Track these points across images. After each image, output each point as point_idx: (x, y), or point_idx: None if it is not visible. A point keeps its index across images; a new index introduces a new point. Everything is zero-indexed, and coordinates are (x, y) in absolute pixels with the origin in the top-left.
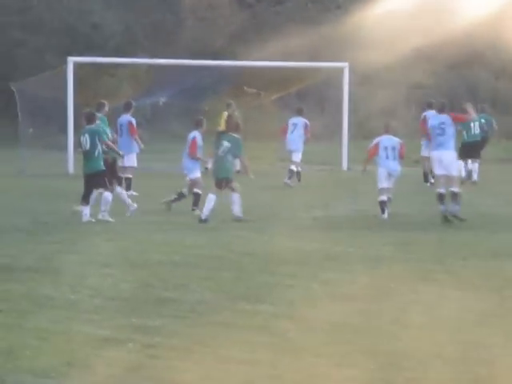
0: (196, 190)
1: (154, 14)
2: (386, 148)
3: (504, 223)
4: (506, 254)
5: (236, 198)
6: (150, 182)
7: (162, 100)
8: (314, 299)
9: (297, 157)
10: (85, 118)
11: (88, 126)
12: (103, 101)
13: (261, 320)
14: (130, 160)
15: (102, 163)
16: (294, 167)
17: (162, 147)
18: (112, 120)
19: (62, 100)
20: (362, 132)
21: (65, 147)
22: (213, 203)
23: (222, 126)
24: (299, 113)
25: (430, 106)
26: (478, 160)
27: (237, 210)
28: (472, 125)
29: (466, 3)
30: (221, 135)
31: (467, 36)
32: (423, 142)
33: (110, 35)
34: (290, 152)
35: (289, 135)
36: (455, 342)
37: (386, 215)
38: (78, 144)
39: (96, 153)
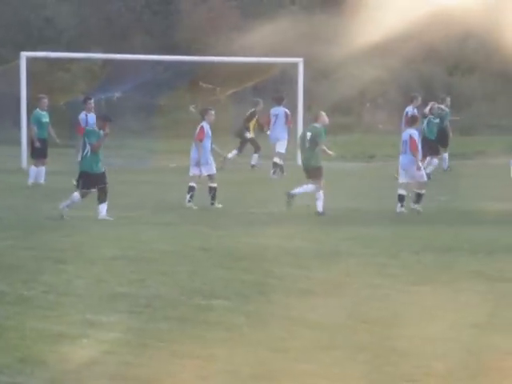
0: (213, 184)
1: (109, 8)
2: (402, 142)
3: (458, 217)
4: (460, 248)
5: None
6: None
7: (117, 95)
8: (270, 294)
9: (281, 147)
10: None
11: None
12: (42, 95)
13: (216, 315)
14: None
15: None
16: (277, 159)
17: (118, 143)
18: (69, 114)
19: (16, 95)
20: None
21: (18, 142)
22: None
23: (252, 127)
24: (279, 102)
25: (411, 101)
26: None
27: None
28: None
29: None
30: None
31: (422, 31)
32: None
33: (64, 29)
34: (274, 143)
35: (271, 126)
36: (410, 336)
37: (399, 209)
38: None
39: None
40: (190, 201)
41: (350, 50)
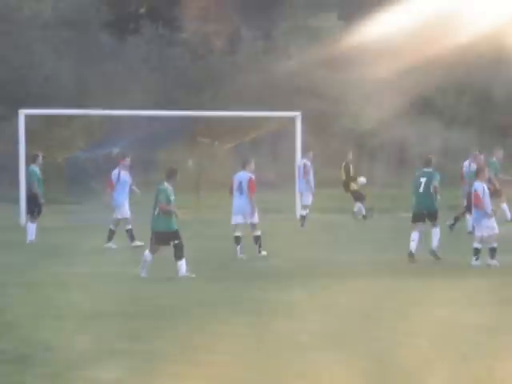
0: (257, 233)
1: (107, 65)
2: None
3: (459, 271)
4: (457, 301)
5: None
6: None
7: (115, 151)
8: (270, 348)
9: (307, 200)
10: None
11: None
12: (37, 152)
13: (215, 371)
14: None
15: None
16: (304, 211)
17: None
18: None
19: (14, 152)
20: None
21: (16, 199)
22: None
23: (343, 176)
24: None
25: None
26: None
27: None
28: None
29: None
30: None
31: (417, 83)
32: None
33: (62, 86)
34: (301, 194)
35: (298, 179)
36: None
37: (475, 262)
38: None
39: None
40: (241, 252)
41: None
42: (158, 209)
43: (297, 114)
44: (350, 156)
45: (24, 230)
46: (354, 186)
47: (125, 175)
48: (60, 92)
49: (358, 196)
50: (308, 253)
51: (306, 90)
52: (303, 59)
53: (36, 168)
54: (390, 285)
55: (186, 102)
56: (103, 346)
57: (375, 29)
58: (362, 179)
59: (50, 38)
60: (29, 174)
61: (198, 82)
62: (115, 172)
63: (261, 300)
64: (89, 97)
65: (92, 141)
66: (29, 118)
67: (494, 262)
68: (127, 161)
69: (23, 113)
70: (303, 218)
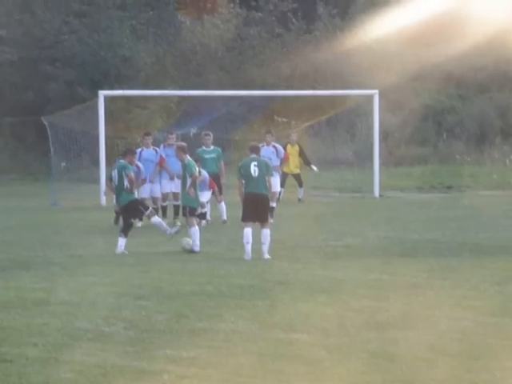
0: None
1: (184, 46)
2: None
3: None
4: None
5: None
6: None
7: (193, 131)
8: (349, 327)
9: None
10: (123, 152)
11: (120, 161)
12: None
13: (296, 349)
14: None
15: (132, 194)
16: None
17: None
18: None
19: (94, 133)
20: (393, 159)
21: (97, 180)
22: None
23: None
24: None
25: None
26: None
27: None
28: None
29: (495, 26)
30: None
31: (496, 59)
32: None
33: (141, 67)
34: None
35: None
36: (492, 369)
37: None
38: (109, 178)
39: (124, 186)
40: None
41: (424, 80)
42: (126, 184)
43: (374, 91)
44: (294, 137)
45: (104, 209)
46: (297, 170)
47: (146, 152)
48: (138, 73)
49: (300, 179)
50: (386, 232)
51: (383, 66)
52: (380, 35)
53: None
54: (470, 263)
55: (263, 81)
56: (183, 326)
57: (455, 1)
58: (315, 168)
59: (128, 19)
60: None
61: (275, 61)
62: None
63: (340, 279)
64: (166, 77)
65: (170, 121)
66: (108, 99)
67: None
68: (147, 139)
69: (102, 94)
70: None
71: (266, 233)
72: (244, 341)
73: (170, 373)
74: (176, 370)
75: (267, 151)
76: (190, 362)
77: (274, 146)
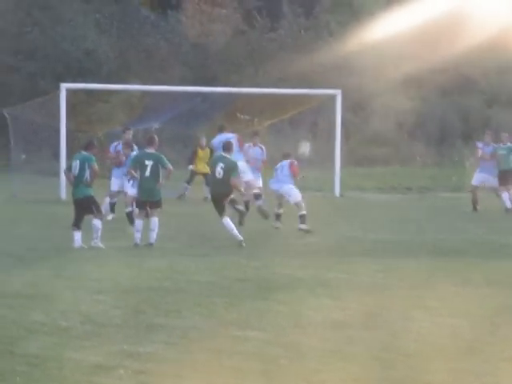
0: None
1: (148, 40)
2: None
3: (497, 251)
4: (499, 282)
5: None
6: None
7: (155, 126)
8: (306, 326)
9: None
10: (84, 143)
11: (82, 152)
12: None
13: (252, 346)
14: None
15: (90, 189)
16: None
17: None
18: (107, 145)
19: (55, 126)
20: (354, 158)
21: (57, 173)
22: None
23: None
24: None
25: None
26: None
27: None
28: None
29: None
30: None
31: (458, 63)
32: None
33: (104, 61)
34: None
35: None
36: (447, 369)
37: None
38: (68, 168)
39: (84, 178)
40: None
41: (387, 81)
42: (87, 176)
43: (337, 91)
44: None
45: (64, 203)
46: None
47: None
48: (101, 66)
49: (192, 177)
50: (346, 231)
51: (347, 66)
52: (344, 36)
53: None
54: (427, 264)
55: (226, 79)
56: (141, 321)
57: (418, 7)
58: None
59: (92, 12)
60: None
61: (239, 59)
62: (114, 144)
63: (298, 277)
64: (129, 72)
65: (132, 116)
66: (70, 93)
67: None
68: (128, 134)
69: (65, 86)
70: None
71: None
72: (201, 337)
73: (127, 368)
74: (132, 365)
75: (255, 151)
76: (147, 358)
77: (260, 147)
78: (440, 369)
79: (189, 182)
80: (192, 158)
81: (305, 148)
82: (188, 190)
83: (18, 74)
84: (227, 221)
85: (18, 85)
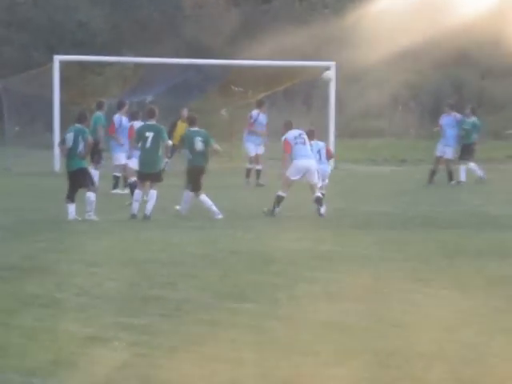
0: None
1: (141, 12)
2: None
3: (489, 222)
4: (492, 253)
5: None
6: None
7: (149, 98)
8: (301, 298)
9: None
10: (77, 116)
11: (76, 125)
12: (103, 99)
13: (247, 319)
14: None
15: (84, 161)
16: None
17: None
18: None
19: (48, 98)
20: (348, 131)
21: (51, 145)
22: None
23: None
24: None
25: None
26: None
27: None
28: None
29: (452, 3)
30: None
31: (453, 35)
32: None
33: (97, 33)
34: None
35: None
36: (442, 340)
37: None
38: (62, 141)
39: (78, 151)
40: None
41: (382, 54)
42: (81, 149)
43: (331, 63)
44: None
45: (58, 175)
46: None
47: (126, 122)
48: (94, 38)
49: (172, 152)
50: (340, 204)
51: (342, 39)
52: (339, 8)
53: (101, 114)
54: (420, 235)
55: (220, 51)
56: (135, 293)
57: None
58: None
59: None
60: (94, 121)
61: (233, 31)
62: (118, 117)
63: (292, 250)
64: (123, 44)
65: (126, 88)
66: (63, 65)
67: None
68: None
69: (58, 58)
70: (248, 171)
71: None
72: (196, 309)
73: (121, 340)
74: (127, 338)
75: (263, 118)
76: (141, 330)
77: (265, 115)
78: (433, 340)
79: (169, 156)
80: (170, 132)
81: (327, 75)
82: (168, 164)
83: (11, 45)
84: (204, 197)
85: (10, 57)
